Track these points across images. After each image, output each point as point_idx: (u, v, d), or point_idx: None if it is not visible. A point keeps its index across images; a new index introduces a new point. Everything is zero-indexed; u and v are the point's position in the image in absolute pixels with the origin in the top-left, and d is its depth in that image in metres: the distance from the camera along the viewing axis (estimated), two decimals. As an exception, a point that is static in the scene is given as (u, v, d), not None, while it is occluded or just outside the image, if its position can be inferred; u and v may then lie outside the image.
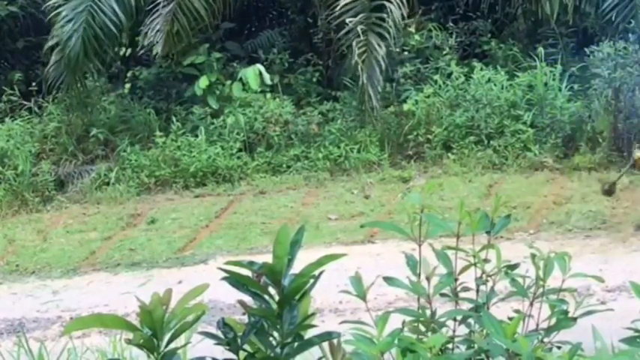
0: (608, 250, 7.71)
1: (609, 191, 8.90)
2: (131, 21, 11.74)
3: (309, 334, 2.07)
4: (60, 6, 11.43)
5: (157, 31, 11.24)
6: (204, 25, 11.57)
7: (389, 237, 8.28)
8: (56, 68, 11.68)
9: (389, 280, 2.20)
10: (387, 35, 10.59)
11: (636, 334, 2.14)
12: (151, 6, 11.47)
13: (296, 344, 2.05)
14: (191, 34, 11.59)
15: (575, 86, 10.94)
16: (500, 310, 2.21)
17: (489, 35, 12.18)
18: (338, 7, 10.71)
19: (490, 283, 2.22)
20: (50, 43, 11.66)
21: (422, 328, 2.13)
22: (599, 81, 10.22)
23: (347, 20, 10.65)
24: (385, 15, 10.57)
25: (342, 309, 6.57)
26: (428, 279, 2.15)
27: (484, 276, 2.21)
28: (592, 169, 9.84)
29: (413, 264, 2.19)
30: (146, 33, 11.49)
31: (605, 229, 8.32)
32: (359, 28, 10.54)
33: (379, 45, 10.51)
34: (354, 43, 10.51)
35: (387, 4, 10.56)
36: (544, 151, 10.29)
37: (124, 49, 12.79)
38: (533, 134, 10.41)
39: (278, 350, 2.03)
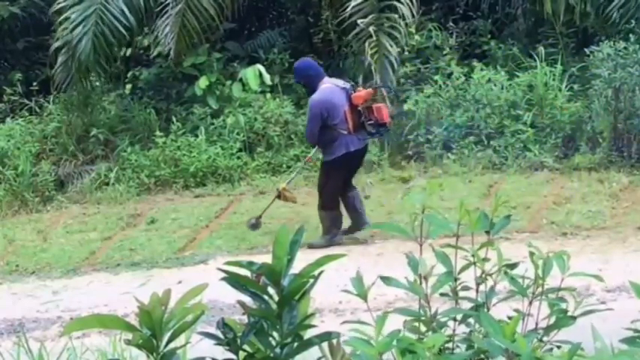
0: (608, 250, 7.70)
1: (255, 225, 8.58)
2: (141, 23, 11.75)
3: (308, 334, 2.07)
4: (70, 7, 11.43)
5: (167, 33, 11.23)
6: (213, 24, 11.54)
7: (389, 237, 8.28)
8: (64, 70, 11.70)
9: (386, 280, 2.20)
10: (397, 35, 10.61)
11: (636, 334, 2.13)
12: (159, 7, 11.47)
13: (295, 344, 2.05)
14: (202, 34, 11.55)
15: (575, 86, 10.94)
16: (501, 310, 2.20)
17: (489, 35, 12.18)
18: (349, 8, 10.72)
19: (490, 283, 2.22)
20: (56, 44, 11.66)
21: (422, 328, 2.13)
22: (599, 81, 10.21)
23: (358, 21, 10.66)
24: (396, 15, 10.60)
25: (341, 309, 6.56)
26: (425, 278, 2.15)
27: (483, 275, 2.21)
28: (592, 169, 9.83)
29: (414, 264, 2.19)
30: (157, 34, 11.49)
31: (605, 229, 8.31)
32: (371, 29, 10.55)
33: (391, 45, 10.53)
34: (366, 44, 10.53)
35: (397, 4, 10.58)
36: (544, 151, 10.28)
37: (124, 49, 12.80)
38: (533, 134, 10.42)
39: (278, 350, 2.03)
